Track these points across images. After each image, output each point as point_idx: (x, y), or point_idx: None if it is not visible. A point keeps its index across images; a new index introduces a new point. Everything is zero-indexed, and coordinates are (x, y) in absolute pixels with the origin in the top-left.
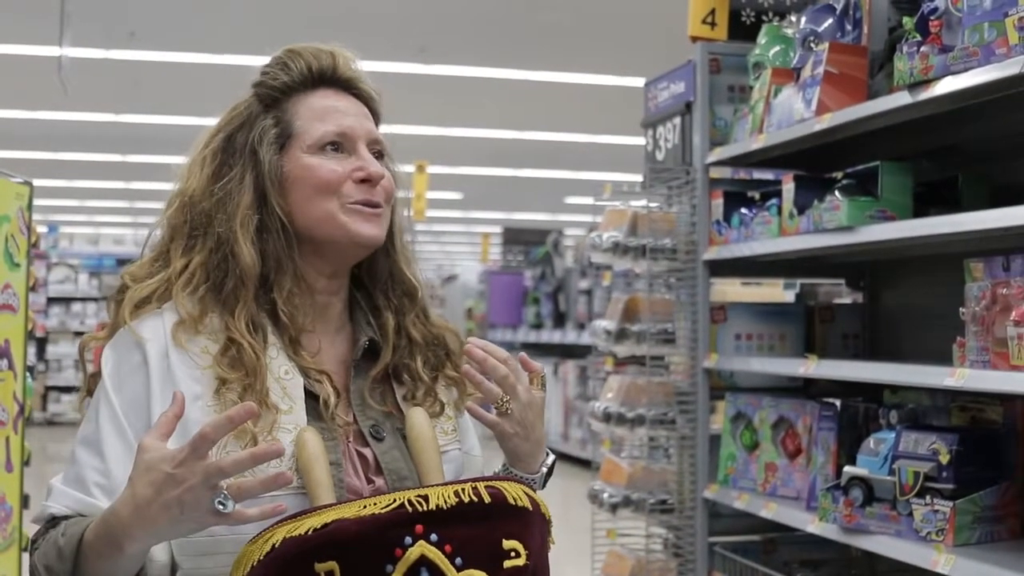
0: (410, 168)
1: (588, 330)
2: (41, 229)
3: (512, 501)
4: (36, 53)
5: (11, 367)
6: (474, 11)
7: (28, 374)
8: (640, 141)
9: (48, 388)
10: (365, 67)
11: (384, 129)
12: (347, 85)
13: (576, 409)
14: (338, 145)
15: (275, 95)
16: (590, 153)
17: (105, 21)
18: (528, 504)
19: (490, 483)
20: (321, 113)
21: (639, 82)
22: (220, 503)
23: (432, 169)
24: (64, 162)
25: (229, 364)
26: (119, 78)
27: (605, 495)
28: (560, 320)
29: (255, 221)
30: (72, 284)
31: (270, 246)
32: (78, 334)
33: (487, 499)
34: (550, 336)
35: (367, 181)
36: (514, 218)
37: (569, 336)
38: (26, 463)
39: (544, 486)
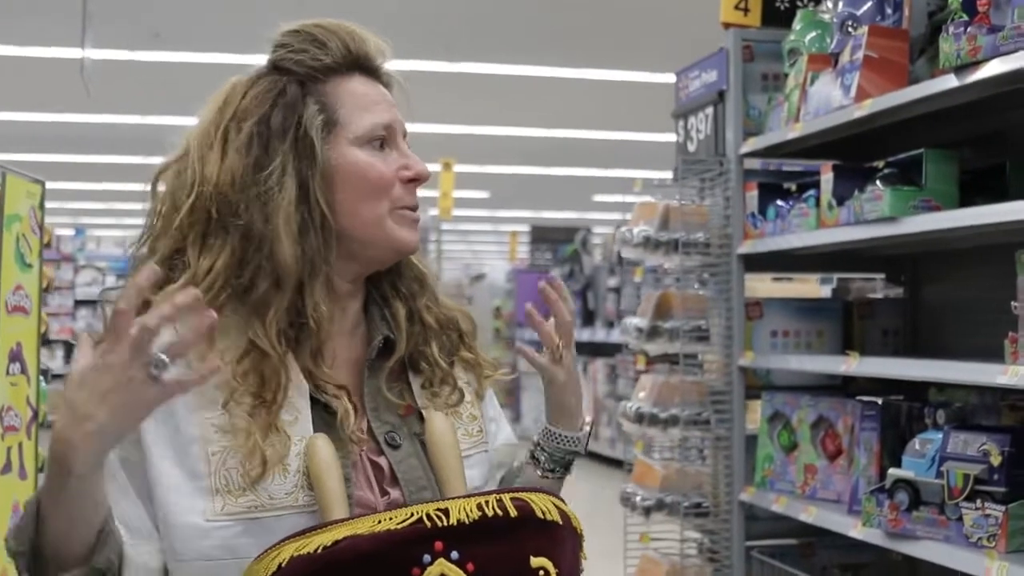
0: (436, 167)
1: (618, 328)
2: (68, 232)
3: (541, 515)
4: (59, 55)
5: (24, 371)
6: (501, 8)
7: (42, 378)
8: (670, 138)
9: None
10: (390, 65)
11: (409, 128)
12: (377, 72)
13: (605, 408)
14: (383, 140)
15: (318, 75)
16: (618, 150)
17: (128, 22)
18: (558, 518)
19: (516, 495)
20: (366, 101)
21: (668, 78)
22: (154, 367)
23: (459, 168)
24: (91, 165)
25: (243, 374)
26: (144, 79)
27: (638, 498)
28: (589, 318)
29: (298, 218)
30: (100, 286)
31: (309, 245)
32: None
33: (513, 513)
34: (578, 334)
35: (414, 181)
36: (542, 216)
37: (598, 334)
38: (40, 469)
39: (585, 451)
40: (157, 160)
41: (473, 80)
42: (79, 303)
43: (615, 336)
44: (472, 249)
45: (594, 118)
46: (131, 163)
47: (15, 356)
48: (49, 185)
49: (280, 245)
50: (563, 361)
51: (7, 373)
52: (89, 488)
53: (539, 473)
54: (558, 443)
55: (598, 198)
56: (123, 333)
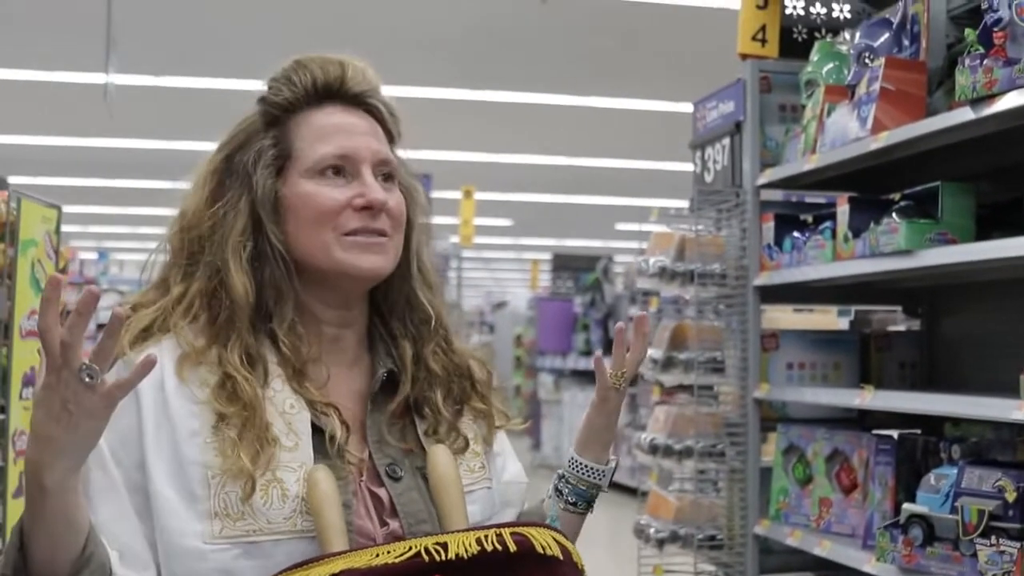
0: (458, 194)
1: None
2: (91, 256)
3: (540, 549)
4: (83, 80)
5: None
6: (523, 37)
7: None
8: (688, 167)
9: None
10: (411, 92)
11: (431, 155)
12: (356, 100)
13: (625, 437)
14: (340, 169)
15: (276, 112)
16: (641, 179)
17: (152, 47)
18: (558, 552)
19: (516, 530)
20: (323, 133)
21: (689, 107)
22: (87, 375)
23: (481, 195)
24: (114, 189)
25: (227, 399)
26: (168, 105)
27: (651, 530)
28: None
29: (249, 249)
30: None
31: (267, 275)
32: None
33: (512, 547)
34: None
35: (368, 209)
36: (564, 244)
37: None
38: None
39: (608, 486)
40: (180, 185)
41: (495, 108)
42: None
43: None
44: (494, 277)
45: (616, 147)
46: (154, 187)
47: (29, 381)
48: (72, 209)
49: (230, 275)
50: (620, 388)
51: (20, 397)
52: (65, 507)
53: (561, 506)
54: (583, 474)
55: (620, 227)
56: (50, 352)
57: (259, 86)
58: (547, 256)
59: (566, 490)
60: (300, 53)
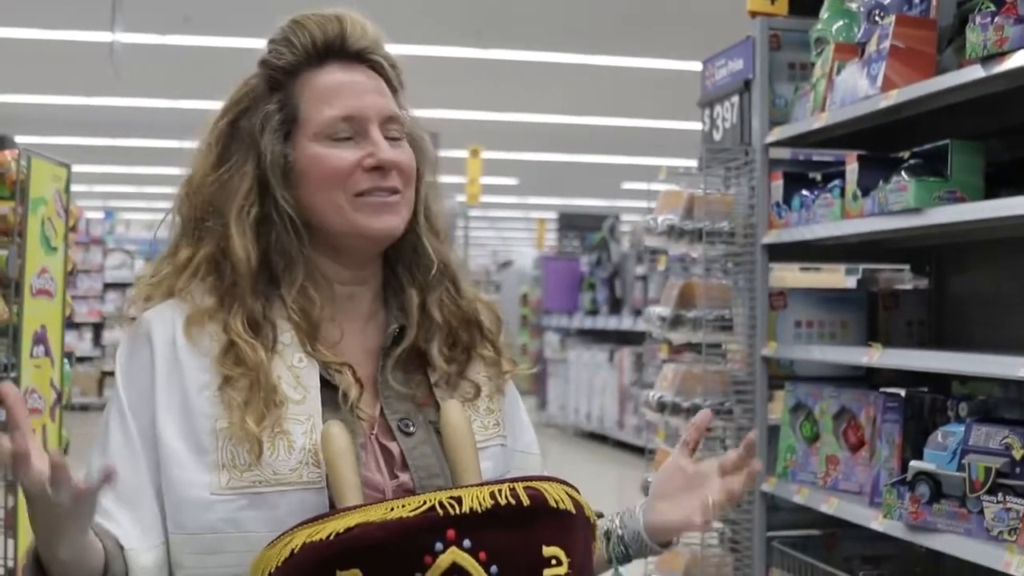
0: (464, 153)
1: (643, 316)
2: (98, 215)
3: (553, 504)
4: (89, 39)
5: (48, 354)
6: None
7: (66, 360)
8: (696, 126)
9: (104, 373)
10: (418, 51)
11: (438, 114)
12: (358, 56)
13: (632, 396)
14: (346, 129)
15: (279, 76)
16: (647, 138)
17: (158, 6)
18: (571, 507)
19: (529, 484)
20: (327, 93)
21: (695, 66)
22: (48, 493)
23: (487, 155)
24: (121, 148)
25: (233, 363)
26: (174, 63)
27: None
28: (616, 306)
29: (253, 213)
30: (128, 270)
31: (274, 239)
32: (133, 319)
33: (526, 501)
34: (606, 322)
35: (378, 169)
36: (570, 204)
37: (625, 322)
38: (65, 452)
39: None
40: (186, 144)
41: (502, 67)
42: (108, 286)
43: (642, 324)
44: (500, 236)
45: (622, 105)
46: (160, 147)
47: (39, 339)
48: (78, 168)
49: (232, 240)
50: (712, 521)
51: (31, 355)
52: (82, 550)
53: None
54: (633, 547)
55: (626, 186)
56: (21, 468)
57: (262, 44)
58: (553, 215)
59: (612, 542)
60: (300, 11)
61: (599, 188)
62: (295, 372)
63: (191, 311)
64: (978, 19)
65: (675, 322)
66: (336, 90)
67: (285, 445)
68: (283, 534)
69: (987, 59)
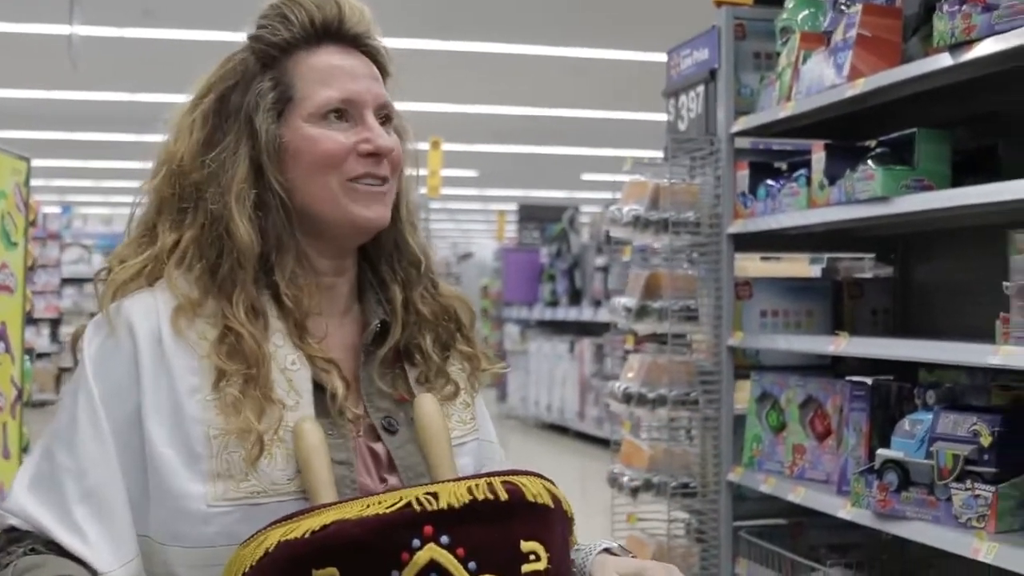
0: (424, 145)
1: (607, 307)
2: (55, 209)
3: (531, 498)
4: (47, 32)
5: (8, 350)
6: None
7: (27, 357)
8: (658, 117)
9: (62, 370)
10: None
11: (398, 106)
12: (355, 41)
13: (592, 387)
14: (342, 112)
15: (273, 52)
16: (607, 129)
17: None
18: (549, 501)
19: (507, 478)
20: (325, 75)
21: (659, 57)
22: None
23: (448, 146)
24: (79, 142)
25: (227, 354)
26: (133, 57)
27: (625, 478)
28: (576, 297)
29: (252, 196)
30: (86, 265)
31: (269, 223)
32: (92, 314)
33: (503, 496)
34: (566, 313)
35: (373, 155)
36: (530, 195)
37: (585, 313)
38: (25, 449)
39: None
40: (145, 138)
41: (463, 58)
42: (65, 281)
43: (602, 315)
44: (460, 228)
45: (583, 97)
46: (118, 140)
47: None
48: (35, 162)
49: (235, 224)
50: None
51: None
52: None
53: None
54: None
55: (586, 177)
56: None
57: (223, 37)
58: (514, 207)
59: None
60: (259, 4)
61: (559, 179)
62: (288, 375)
63: (180, 301)
64: (946, 7)
65: (641, 312)
66: (334, 72)
67: (283, 454)
68: (256, 533)
69: (955, 47)
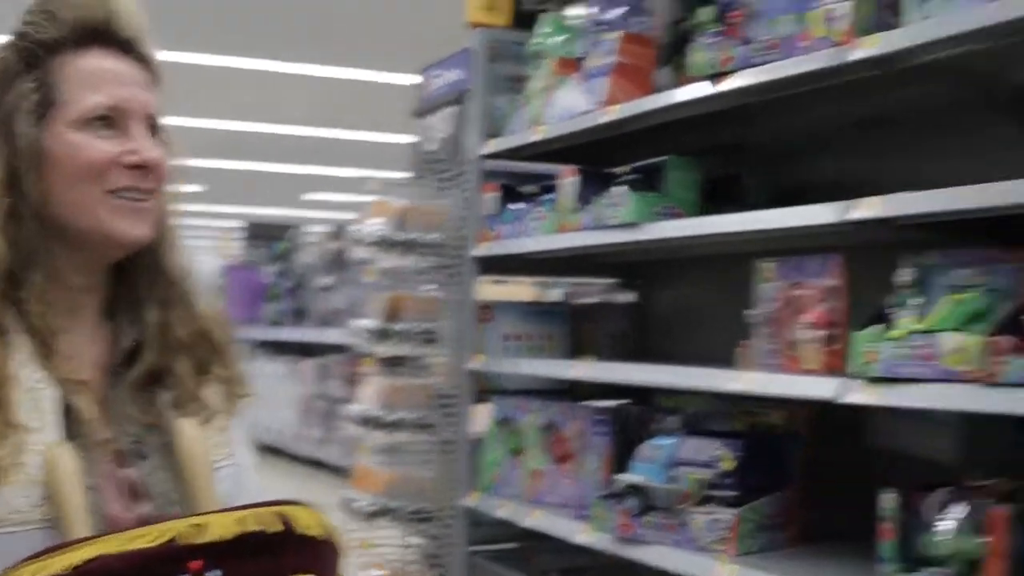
0: None
1: (346, 329)
2: None
3: (303, 530)
4: None
5: None
6: None
7: None
8: (393, 138)
9: None
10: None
11: None
12: (126, 45)
13: (314, 409)
14: (109, 120)
15: (39, 52)
16: (342, 148)
17: None
18: (320, 533)
19: (277, 510)
20: (93, 80)
21: (404, 78)
22: None
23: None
24: None
25: None
26: None
27: (359, 504)
28: (298, 316)
29: (5, 205)
30: None
31: (22, 235)
32: None
33: (273, 528)
34: (289, 334)
35: (139, 168)
36: (257, 213)
37: (308, 334)
38: None
39: None
40: None
41: (189, 71)
42: None
43: (328, 336)
44: (186, 244)
45: (314, 115)
46: None
47: None
48: None
49: None
50: None
51: None
52: None
53: None
54: None
55: (311, 196)
56: None
57: None
58: (240, 224)
59: None
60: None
61: (281, 198)
62: (33, 395)
63: None
64: (705, 39)
65: (382, 335)
66: (103, 76)
67: (24, 479)
68: (7, 570)
69: (713, 76)
